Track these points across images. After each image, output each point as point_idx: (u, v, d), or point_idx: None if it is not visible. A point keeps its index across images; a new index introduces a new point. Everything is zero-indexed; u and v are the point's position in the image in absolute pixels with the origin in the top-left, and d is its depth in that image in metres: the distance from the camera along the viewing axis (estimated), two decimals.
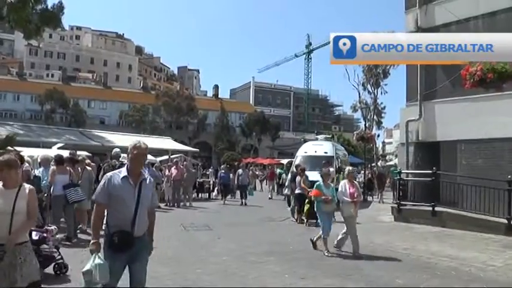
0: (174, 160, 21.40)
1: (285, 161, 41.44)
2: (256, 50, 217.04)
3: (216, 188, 23.84)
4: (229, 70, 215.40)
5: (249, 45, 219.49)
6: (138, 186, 4.54)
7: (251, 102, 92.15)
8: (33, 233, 6.49)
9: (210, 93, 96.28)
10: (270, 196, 25.59)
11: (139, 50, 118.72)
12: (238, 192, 23.06)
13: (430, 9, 16.31)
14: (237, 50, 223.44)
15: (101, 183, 4.61)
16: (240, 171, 23.08)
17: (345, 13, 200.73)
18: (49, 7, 25.80)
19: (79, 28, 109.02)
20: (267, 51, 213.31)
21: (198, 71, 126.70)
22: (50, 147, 18.30)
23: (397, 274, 8.05)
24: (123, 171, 4.59)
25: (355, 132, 30.75)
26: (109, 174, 4.66)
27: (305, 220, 14.43)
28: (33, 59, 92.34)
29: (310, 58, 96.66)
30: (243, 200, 21.19)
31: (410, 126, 16.57)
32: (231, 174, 24.00)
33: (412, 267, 8.59)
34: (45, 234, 6.84)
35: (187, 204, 19.50)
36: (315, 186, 10.66)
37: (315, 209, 10.53)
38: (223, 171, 23.09)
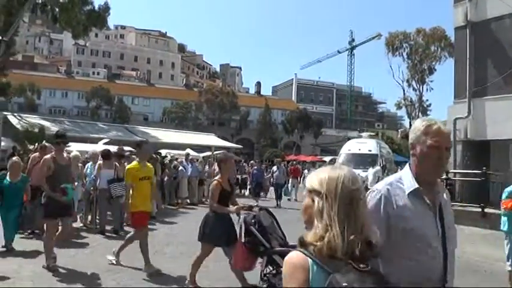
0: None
1: (327, 159, 41.13)
2: (298, 47, 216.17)
3: (248, 187, 21.71)
4: (271, 67, 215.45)
5: (291, 42, 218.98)
6: (438, 208, 2.40)
7: (293, 99, 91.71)
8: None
9: (252, 90, 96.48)
10: (290, 197, 21.43)
11: (181, 48, 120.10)
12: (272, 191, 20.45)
13: (481, 2, 15.70)
14: (279, 46, 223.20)
15: (372, 203, 2.35)
16: (274, 168, 20.92)
17: (388, 8, 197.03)
18: (96, 8, 26.60)
19: (123, 27, 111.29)
20: (309, 47, 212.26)
21: (240, 68, 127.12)
22: (97, 143, 18.72)
23: None
24: (408, 179, 2.41)
25: (399, 130, 30.27)
26: (380, 185, 2.46)
27: None
28: (80, 58, 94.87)
29: (353, 54, 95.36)
30: (278, 201, 18.87)
31: (458, 124, 16.05)
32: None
33: (460, 270, 8.25)
34: None
35: None
36: (506, 194, 7.38)
37: (505, 228, 7.36)
38: (255, 167, 20.95)
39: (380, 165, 19.12)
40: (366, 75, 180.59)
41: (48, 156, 7.41)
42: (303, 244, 1.71)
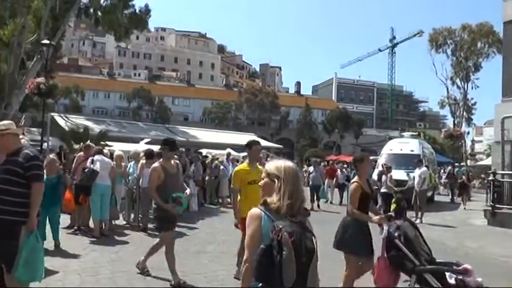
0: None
1: None
2: (338, 46, 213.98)
3: None
4: (311, 66, 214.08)
5: (330, 41, 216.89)
6: None
7: (333, 98, 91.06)
8: (447, 275, 4.59)
9: (292, 90, 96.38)
10: (326, 199, 19.96)
11: (221, 49, 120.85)
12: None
13: None
14: (318, 46, 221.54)
15: None
16: (311, 169, 19.43)
17: (430, 4, 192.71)
18: (137, 11, 27.22)
19: (163, 29, 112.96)
20: (349, 46, 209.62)
21: (279, 68, 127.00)
22: (138, 142, 19.01)
23: (493, 282, 7.42)
24: None
25: (443, 130, 29.48)
26: None
27: None
28: (121, 60, 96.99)
29: (394, 52, 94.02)
30: (314, 204, 17.76)
31: (507, 124, 15.49)
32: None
33: (511, 276, 7.96)
34: (464, 277, 4.58)
35: None
36: None
37: None
38: (311, 168, 19.49)
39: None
40: (407, 73, 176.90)
41: (156, 164, 6.80)
42: (265, 203, 2.80)
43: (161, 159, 6.94)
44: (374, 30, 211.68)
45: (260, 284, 2.67)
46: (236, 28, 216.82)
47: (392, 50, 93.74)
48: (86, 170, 9.43)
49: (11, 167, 4.58)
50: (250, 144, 6.77)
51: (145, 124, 34.31)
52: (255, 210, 2.81)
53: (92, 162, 9.50)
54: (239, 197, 6.54)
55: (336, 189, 21.20)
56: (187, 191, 6.99)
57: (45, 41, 18.78)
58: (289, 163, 2.94)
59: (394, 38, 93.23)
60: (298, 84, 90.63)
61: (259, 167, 6.60)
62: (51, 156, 9.48)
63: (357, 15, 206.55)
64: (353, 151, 64.83)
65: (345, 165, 29.72)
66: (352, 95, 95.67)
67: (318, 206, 18.09)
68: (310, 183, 18.22)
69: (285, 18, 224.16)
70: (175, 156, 11.99)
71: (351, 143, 69.95)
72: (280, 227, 2.58)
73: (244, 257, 2.77)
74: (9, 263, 4.48)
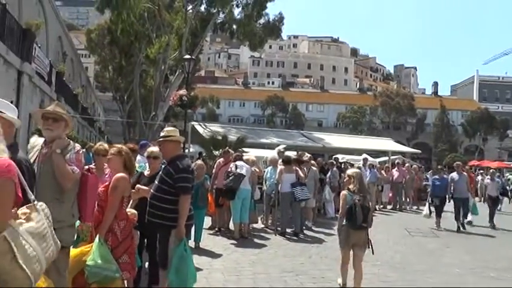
0: (396, 161, 20.69)
1: None
2: (480, 40, 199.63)
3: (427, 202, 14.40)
4: (449, 65, 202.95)
5: (471, 35, 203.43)
6: None
7: (475, 98, 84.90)
8: None
9: (428, 91, 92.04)
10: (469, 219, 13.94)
11: (354, 52, 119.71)
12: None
13: None
14: (457, 42, 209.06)
15: None
16: (454, 175, 13.70)
17: None
18: (270, 20, 28.02)
19: (296, 37, 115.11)
20: (492, 40, 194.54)
21: (415, 68, 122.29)
22: (274, 149, 19.23)
23: None
24: None
25: None
26: None
27: None
28: (255, 69, 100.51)
29: None
30: (460, 223, 13.22)
31: None
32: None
33: None
34: None
35: (408, 207, 18.54)
36: None
37: None
38: (436, 177, 14.45)
39: None
40: None
41: None
42: (348, 189, 6.20)
43: None
44: None
45: (346, 222, 5.97)
46: (368, 30, 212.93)
47: None
48: (230, 174, 9.74)
49: (163, 176, 4.96)
50: None
51: (280, 130, 34.88)
52: (344, 192, 6.23)
53: (236, 167, 9.82)
54: None
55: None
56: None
57: (187, 56, 19.94)
58: (356, 170, 6.65)
59: None
60: (436, 84, 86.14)
61: None
62: (199, 162, 9.99)
63: (501, 4, 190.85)
64: (498, 156, 59.86)
65: (497, 173, 26.00)
66: (497, 94, 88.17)
67: (463, 226, 13.35)
68: (456, 195, 13.33)
69: (420, 14, 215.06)
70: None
71: (495, 147, 64.64)
72: (355, 198, 5.89)
73: (340, 211, 6.25)
74: (162, 262, 4.93)
